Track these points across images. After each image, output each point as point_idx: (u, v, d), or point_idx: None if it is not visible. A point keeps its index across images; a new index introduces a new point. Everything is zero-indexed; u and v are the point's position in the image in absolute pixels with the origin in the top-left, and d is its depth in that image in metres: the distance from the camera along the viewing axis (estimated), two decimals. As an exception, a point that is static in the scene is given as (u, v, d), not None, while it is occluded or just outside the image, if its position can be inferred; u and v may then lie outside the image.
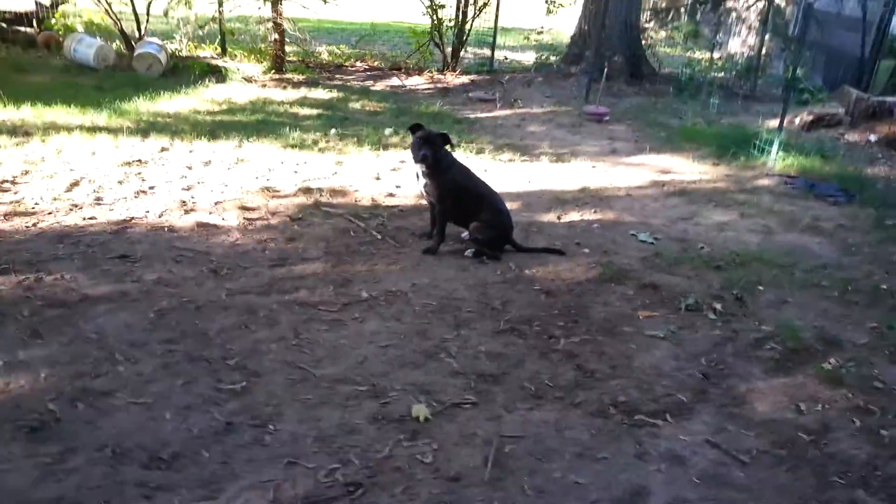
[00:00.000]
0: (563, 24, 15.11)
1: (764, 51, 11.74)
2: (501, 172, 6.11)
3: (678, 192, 5.93)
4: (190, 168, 5.50)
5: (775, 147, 6.91)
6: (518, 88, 10.29)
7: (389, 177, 5.74)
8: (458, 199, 4.28)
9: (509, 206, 4.54)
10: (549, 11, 12.91)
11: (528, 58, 12.71)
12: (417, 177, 4.30)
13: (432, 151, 4.15)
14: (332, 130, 7.01)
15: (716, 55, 13.91)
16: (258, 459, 2.41)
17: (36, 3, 11.69)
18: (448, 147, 4.30)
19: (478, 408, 2.81)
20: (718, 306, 3.83)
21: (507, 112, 8.88)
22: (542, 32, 13.50)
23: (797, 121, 8.67)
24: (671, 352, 3.38)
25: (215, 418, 2.60)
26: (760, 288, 4.11)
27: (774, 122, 8.33)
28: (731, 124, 8.49)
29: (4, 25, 11.25)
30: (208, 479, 2.30)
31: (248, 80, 9.60)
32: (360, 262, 4.08)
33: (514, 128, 8.03)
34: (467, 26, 11.25)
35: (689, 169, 6.71)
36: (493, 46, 11.58)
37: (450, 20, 11.22)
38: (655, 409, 2.89)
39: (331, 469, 2.39)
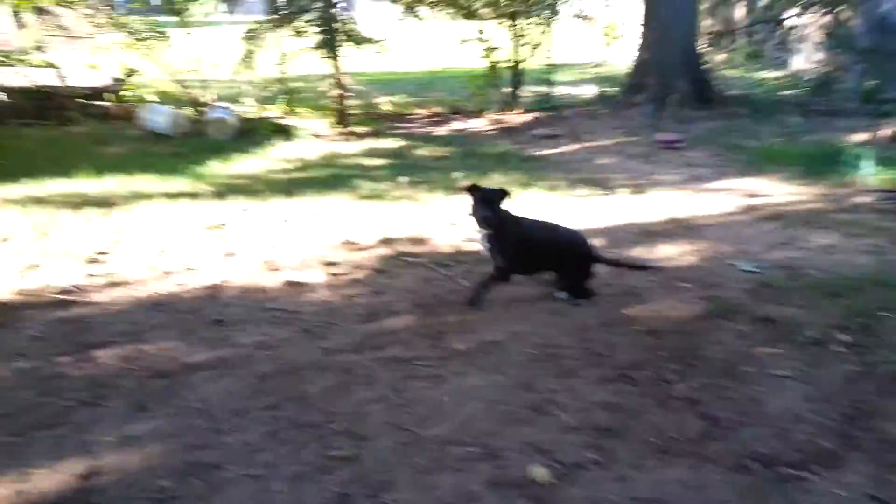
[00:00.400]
0: (618, 57, 14.98)
1: (833, 65, 11.30)
2: (579, 208, 5.94)
3: (772, 216, 5.62)
4: (271, 227, 5.55)
5: (869, 162, 6.51)
6: (582, 122, 10.16)
7: (465, 221, 5.64)
8: (528, 252, 4.03)
9: (593, 243, 4.37)
10: (607, 43, 12.84)
11: (586, 92, 12.62)
12: (480, 240, 4.03)
13: (493, 213, 3.85)
14: (402, 178, 7.02)
15: (780, 73, 13.53)
16: (378, 534, 2.27)
17: (112, 78, 12.41)
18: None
19: (602, 467, 2.61)
20: (845, 337, 3.51)
21: (575, 147, 8.75)
22: (600, 65, 13.42)
23: (882, 133, 8.20)
24: (803, 392, 3.09)
25: (328, 489, 2.49)
26: (886, 314, 3.77)
27: (858, 137, 7.94)
28: (814, 142, 8.10)
29: (84, 101, 11.96)
30: (329, 558, 2.17)
31: (315, 136, 9.81)
32: (451, 313, 3.95)
33: (583, 162, 7.88)
34: (522, 66, 11.29)
35: (778, 191, 6.38)
36: (551, 83, 11.54)
37: (506, 61, 11.26)
38: (800, 460, 2.61)
39: (456, 542, 2.23)
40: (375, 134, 9.86)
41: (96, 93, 12.31)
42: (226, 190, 6.67)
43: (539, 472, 2.55)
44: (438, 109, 11.55)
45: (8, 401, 3.08)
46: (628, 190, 6.53)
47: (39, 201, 6.25)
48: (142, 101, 11.65)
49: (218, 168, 7.71)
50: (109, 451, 2.72)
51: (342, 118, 10.49)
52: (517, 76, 11.33)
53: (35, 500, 2.46)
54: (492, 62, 11.27)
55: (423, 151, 8.58)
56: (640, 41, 12.02)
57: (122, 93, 12.31)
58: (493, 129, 10.05)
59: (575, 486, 2.49)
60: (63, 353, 3.51)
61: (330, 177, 7.25)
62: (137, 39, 10.92)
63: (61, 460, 2.67)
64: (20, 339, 3.68)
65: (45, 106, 11.48)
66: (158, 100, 11.55)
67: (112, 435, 2.82)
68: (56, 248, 5.04)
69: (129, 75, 12.69)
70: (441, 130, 10.15)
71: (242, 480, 2.54)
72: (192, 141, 9.48)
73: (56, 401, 3.09)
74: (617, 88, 12.15)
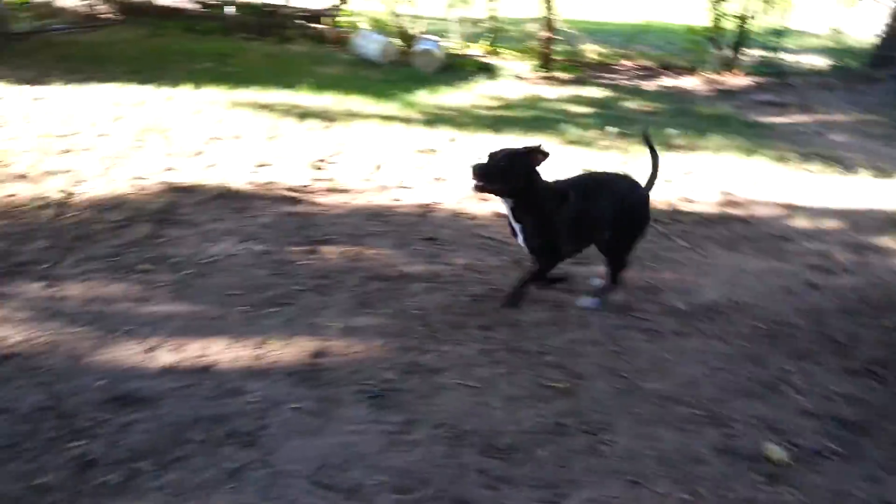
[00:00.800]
0: (857, 27, 13.20)
1: None
2: (813, 185, 5.34)
3: None
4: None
5: None
6: (812, 93, 9.12)
7: (682, 180, 5.29)
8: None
9: (830, 224, 3.90)
10: (848, 4, 11.30)
11: (817, 61, 11.27)
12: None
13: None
14: (610, 128, 6.72)
15: None
16: (597, 471, 2.20)
17: (329, 3, 13.08)
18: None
19: (846, 461, 2.33)
20: None
21: (804, 118, 7.87)
22: (837, 32, 11.91)
23: None
24: None
25: (543, 416, 2.45)
26: None
27: None
28: None
29: (302, 22, 12.74)
30: (549, 481, 2.14)
31: (517, 77, 9.67)
32: (667, 270, 3.73)
33: (814, 136, 7.08)
34: (749, 24, 10.27)
35: None
36: (778, 47, 10.44)
37: (732, 17, 10.32)
38: None
39: (681, 499, 2.10)
40: (579, 81, 9.53)
41: (314, 15, 13.05)
42: (434, 119, 6.77)
43: (775, 450, 2.33)
44: (647, 63, 10.89)
45: (245, 277, 3.37)
46: (870, 172, 5.77)
47: (266, 107, 6.73)
48: (354, 27, 12.13)
49: (425, 98, 7.85)
50: (336, 337, 2.88)
51: (546, 62, 10.23)
52: (741, 35, 10.35)
53: (272, 368, 2.66)
54: (716, 17, 10.37)
55: (632, 104, 8.15)
56: (892, 8, 10.46)
57: (336, 18, 12.92)
58: (709, 90, 9.32)
59: (815, 473, 2.26)
60: (292, 243, 3.77)
61: (534, 118, 7.12)
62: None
63: (293, 336, 2.87)
64: (254, 225, 3.99)
65: (267, 23, 12.34)
66: (371, 28, 11.96)
67: (338, 322, 2.98)
68: (283, 151, 5.41)
69: (344, 1, 13.30)
70: (649, 85, 9.59)
71: (460, 389, 2.58)
72: (399, 70, 9.71)
73: (287, 283, 3.32)
74: (856, 61, 10.72)
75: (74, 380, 2.49)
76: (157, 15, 12.22)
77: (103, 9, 12.19)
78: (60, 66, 7.86)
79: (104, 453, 2.15)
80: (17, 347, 2.66)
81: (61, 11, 11.92)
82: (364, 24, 12.34)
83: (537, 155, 2.95)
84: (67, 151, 4.97)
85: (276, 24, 12.35)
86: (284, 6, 12.94)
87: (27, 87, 6.78)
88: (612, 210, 3.11)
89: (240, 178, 4.68)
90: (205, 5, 12.61)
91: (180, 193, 4.34)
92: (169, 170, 4.72)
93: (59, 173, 4.53)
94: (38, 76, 7.21)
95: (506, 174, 2.92)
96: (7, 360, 2.59)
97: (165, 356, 2.68)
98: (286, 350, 2.77)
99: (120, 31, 10.99)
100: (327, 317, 3.03)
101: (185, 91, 7.08)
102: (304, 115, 6.54)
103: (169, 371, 2.59)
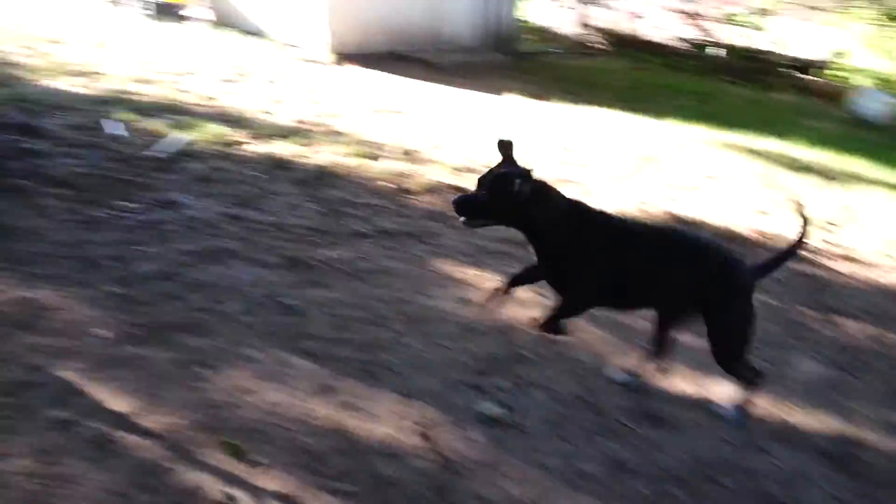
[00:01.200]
0: None
1: None
2: None
3: None
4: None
5: None
6: None
7: None
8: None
9: None
10: None
11: None
12: None
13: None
14: None
15: None
16: None
17: (823, 54, 12.01)
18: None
19: None
20: None
21: None
22: None
23: None
24: None
25: None
26: None
27: None
28: None
29: (789, 70, 11.97)
30: None
31: None
32: None
33: None
34: None
35: None
36: None
37: None
38: None
39: None
40: None
41: (804, 66, 12.17)
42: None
43: None
44: None
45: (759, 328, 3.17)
46: None
47: (756, 153, 6.44)
48: (849, 83, 10.94)
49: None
50: (870, 427, 2.52)
51: None
52: None
53: (799, 437, 2.44)
54: None
55: None
56: None
57: (829, 71, 11.87)
58: None
59: None
60: (803, 304, 3.46)
61: None
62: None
63: (815, 408, 2.59)
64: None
65: (751, 68, 11.91)
66: (873, 86, 10.61)
67: (869, 411, 2.60)
68: (780, 202, 5.05)
69: (839, 55, 12.07)
70: None
71: None
72: (906, 135, 8.38)
73: (803, 347, 3.03)
74: None
75: (600, 379, 2.65)
76: (641, 49, 12.84)
77: (594, 39, 13.34)
78: (558, 85, 8.77)
79: (636, 462, 2.23)
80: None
81: (559, 37, 13.45)
82: (862, 81, 11.04)
83: (514, 180, 2.30)
84: (571, 163, 5.47)
85: (760, 71, 11.87)
86: (772, 52, 12.37)
87: (533, 101, 7.73)
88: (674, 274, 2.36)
89: (741, 222, 4.52)
90: (693, 45, 12.80)
91: (684, 225, 4.37)
92: (672, 200, 4.80)
93: (572, 183, 5.00)
94: (541, 92, 8.15)
95: (488, 206, 2.34)
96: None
97: (677, 383, 2.68)
98: (810, 422, 2.52)
99: (605, 60, 11.84)
100: (856, 401, 2.67)
101: (671, 124, 7.22)
102: (800, 168, 6.07)
103: (686, 400, 2.58)
